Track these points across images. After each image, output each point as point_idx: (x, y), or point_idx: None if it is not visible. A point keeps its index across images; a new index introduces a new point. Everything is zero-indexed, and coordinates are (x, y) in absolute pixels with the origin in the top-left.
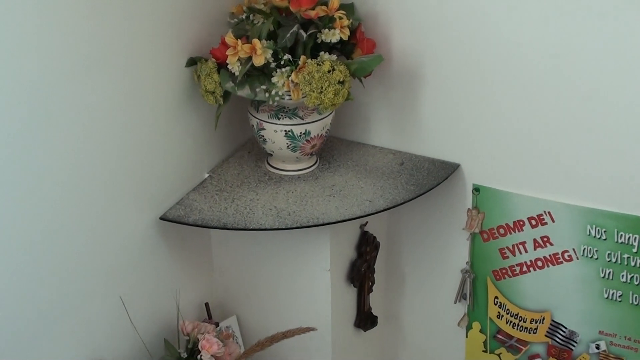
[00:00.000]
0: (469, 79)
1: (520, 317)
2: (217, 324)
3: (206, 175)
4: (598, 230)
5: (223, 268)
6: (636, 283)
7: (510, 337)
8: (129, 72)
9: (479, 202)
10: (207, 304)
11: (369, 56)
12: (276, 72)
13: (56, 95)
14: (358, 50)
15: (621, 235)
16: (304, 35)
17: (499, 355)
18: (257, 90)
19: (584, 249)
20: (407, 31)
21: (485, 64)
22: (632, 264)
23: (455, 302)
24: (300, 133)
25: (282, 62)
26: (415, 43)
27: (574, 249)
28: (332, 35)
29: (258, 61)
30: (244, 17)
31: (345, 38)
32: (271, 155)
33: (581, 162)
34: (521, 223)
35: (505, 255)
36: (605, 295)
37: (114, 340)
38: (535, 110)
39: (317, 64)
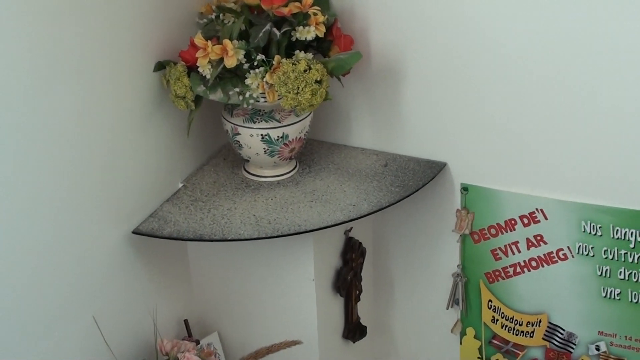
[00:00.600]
0: (453, 73)
1: (516, 320)
2: (197, 342)
3: (180, 185)
4: (593, 226)
5: (202, 282)
6: (635, 280)
7: (507, 342)
8: (90, 79)
9: (468, 202)
10: (186, 321)
11: (346, 53)
12: (249, 73)
13: (13, 107)
14: (335, 48)
15: (617, 230)
16: (278, 33)
17: None
18: (230, 93)
19: (579, 246)
20: (386, 26)
21: (470, 57)
22: (630, 260)
23: (447, 308)
24: (278, 137)
25: (255, 63)
26: (395, 38)
27: (568, 247)
28: (307, 33)
29: (230, 63)
30: (213, 16)
31: (321, 35)
32: (248, 161)
33: (573, 156)
34: (513, 222)
35: (497, 257)
36: (603, 294)
37: None
38: (524, 104)
39: (293, 64)
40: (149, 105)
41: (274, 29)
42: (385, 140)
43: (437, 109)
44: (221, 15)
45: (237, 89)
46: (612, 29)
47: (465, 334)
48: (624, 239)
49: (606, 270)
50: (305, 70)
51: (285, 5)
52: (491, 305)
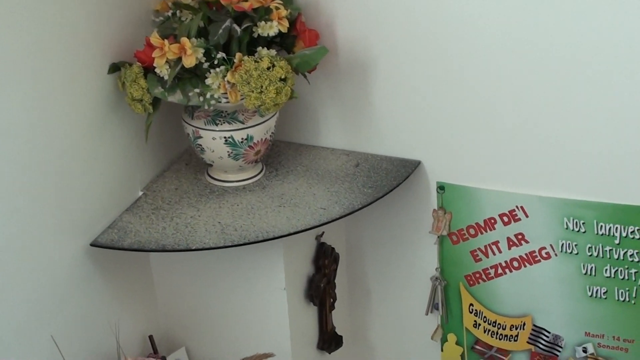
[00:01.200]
0: (425, 67)
1: (499, 324)
2: (163, 358)
3: (140, 193)
4: (576, 222)
5: (167, 295)
6: (621, 277)
7: (490, 347)
8: (39, 82)
9: (445, 202)
10: (151, 337)
11: (312, 49)
12: (210, 72)
13: None
14: (300, 43)
15: (601, 226)
16: (238, 30)
17: None
18: (190, 94)
19: (563, 244)
20: (354, 19)
21: (444, 50)
22: (615, 256)
23: (427, 314)
24: (242, 139)
25: (215, 62)
26: (363, 31)
27: (551, 245)
28: (270, 28)
29: (189, 62)
30: (170, 14)
31: (284, 30)
32: (211, 165)
33: (553, 150)
34: (492, 221)
35: (477, 258)
36: (589, 293)
37: None
38: (500, 97)
39: (255, 61)
40: (104, 109)
41: (235, 25)
42: (356, 139)
43: (409, 105)
44: (178, 12)
45: (197, 90)
46: (595, 23)
47: (447, 341)
48: (608, 235)
49: (591, 268)
50: (268, 68)
51: (246, 0)
52: (472, 309)
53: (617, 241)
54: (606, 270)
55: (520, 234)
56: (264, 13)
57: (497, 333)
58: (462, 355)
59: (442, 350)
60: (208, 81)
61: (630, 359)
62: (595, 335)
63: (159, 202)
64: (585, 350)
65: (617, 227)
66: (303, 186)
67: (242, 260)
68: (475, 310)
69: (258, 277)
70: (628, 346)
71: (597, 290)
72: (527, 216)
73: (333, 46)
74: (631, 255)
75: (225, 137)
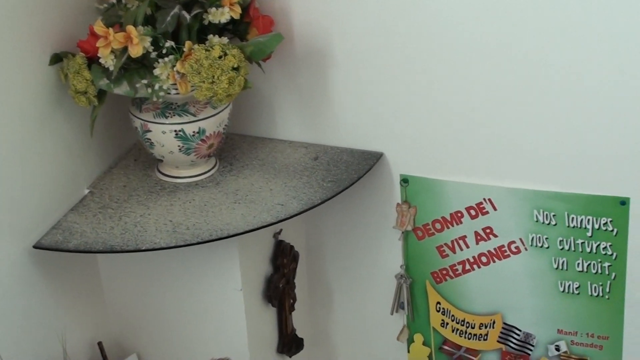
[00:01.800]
0: (386, 54)
1: (468, 323)
2: None
3: (86, 192)
4: (546, 214)
5: (116, 299)
6: (594, 272)
7: (459, 347)
8: None
9: (409, 195)
10: (100, 344)
11: (266, 36)
12: (158, 62)
13: None
14: (253, 30)
15: (573, 218)
16: (188, 17)
17: None
18: (138, 85)
19: (533, 237)
20: (310, 3)
21: (404, 37)
22: (588, 249)
23: (392, 313)
24: (194, 132)
25: (164, 51)
26: (320, 17)
27: (521, 239)
28: (221, 15)
29: (135, 51)
30: (115, 1)
31: (236, 17)
32: (162, 161)
33: (520, 139)
34: (459, 215)
35: (444, 254)
36: (561, 289)
37: None
38: (465, 84)
39: (206, 50)
40: (46, 103)
41: (184, 12)
42: (314, 131)
43: (370, 94)
44: None
45: (144, 81)
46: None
47: (413, 341)
48: (580, 227)
49: (563, 262)
50: (220, 57)
51: None
52: (440, 308)
53: (589, 234)
54: (578, 264)
55: (489, 227)
56: None
57: (465, 332)
58: (430, 356)
59: (408, 351)
60: (156, 71)
61: (605, 356)
62: (568, 332)
63: (107, 201)
64: (558, 349)
65: (589, 219)
66: (259, 181)
67: (196, 261)
68: (443, 308)
69: (213, 278)
70: (602, 343)
71: (569, 286)
72: (495, 209)
73: (288, 33)
74: (604, 248)
75: (175, 131)
